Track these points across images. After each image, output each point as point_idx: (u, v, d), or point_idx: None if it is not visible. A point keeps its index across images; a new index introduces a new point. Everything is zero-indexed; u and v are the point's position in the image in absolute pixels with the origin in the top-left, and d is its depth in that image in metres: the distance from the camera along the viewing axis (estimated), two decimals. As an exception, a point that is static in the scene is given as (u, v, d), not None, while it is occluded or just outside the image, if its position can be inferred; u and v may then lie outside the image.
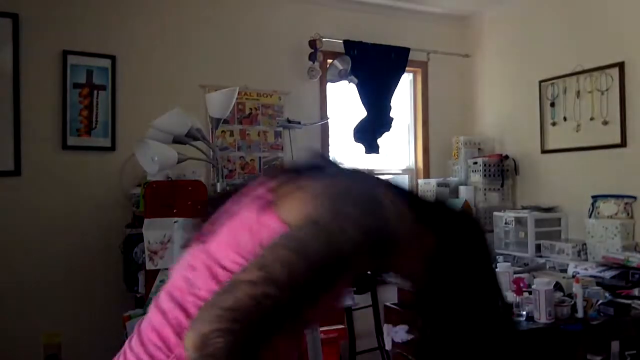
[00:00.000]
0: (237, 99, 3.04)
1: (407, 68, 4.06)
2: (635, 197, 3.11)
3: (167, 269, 2.62)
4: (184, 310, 0.76)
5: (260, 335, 0.67)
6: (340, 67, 3.71)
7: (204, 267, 0.78)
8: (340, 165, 0.89)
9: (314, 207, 0.74)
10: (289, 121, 3.40)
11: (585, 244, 3.22)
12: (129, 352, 0.82)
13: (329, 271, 0.71)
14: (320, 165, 0.87)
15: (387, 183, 0.87)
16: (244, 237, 0.76)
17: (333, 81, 3.82)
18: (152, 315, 0.82)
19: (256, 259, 0.71)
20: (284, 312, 0.69)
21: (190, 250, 0.84)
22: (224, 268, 0.76)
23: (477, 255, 0.91)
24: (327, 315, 0.82)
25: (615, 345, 2.25)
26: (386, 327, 3.14)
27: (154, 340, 0.79)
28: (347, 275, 0.77)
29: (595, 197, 3.28)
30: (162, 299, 0.82)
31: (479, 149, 4.10)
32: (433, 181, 3.94)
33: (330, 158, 0.92)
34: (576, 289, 2.29)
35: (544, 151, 3.70)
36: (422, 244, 0.86)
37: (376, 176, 0.89)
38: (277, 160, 3.67)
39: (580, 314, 2.25)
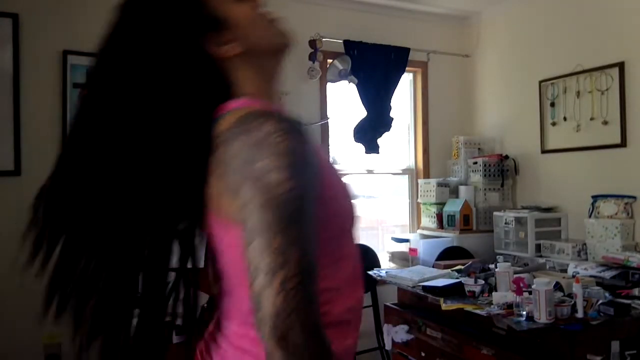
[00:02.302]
0: (237, 99, 3.05)
1: (407, 68, 4.06)
2: (635, 197, 3.11)
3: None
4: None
5: (313, 283, 0.70)
6: (340, 67, 3.71)
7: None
8: None
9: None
10: (289, 121, 3.39)
11: (585, 244, 3.22)
12: None
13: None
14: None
15: None
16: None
17: (333, 81, 3.82)
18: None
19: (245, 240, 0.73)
20: (311, 252, 0.72)
21: None
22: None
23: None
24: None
25: (615, 345, 2.25)
26: (386, 327, 3.14)
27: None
28: None
29: (595, 197, 3.29)
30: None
31: (479, 149, 4.10)
32: (433, 181, 3.94)
33: None
34: (576, 289, 2.29)
35: (544, 151, 3.70)
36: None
37: None
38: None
39: (580, 314, 2.25)
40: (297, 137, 0.75)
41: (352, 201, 0.88)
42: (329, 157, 0.81)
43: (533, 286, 2.25)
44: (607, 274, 2.76)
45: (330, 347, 0.70)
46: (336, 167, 0.90)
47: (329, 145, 3.89)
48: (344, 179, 0.90)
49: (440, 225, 3.89)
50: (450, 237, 3.74)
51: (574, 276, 2.68)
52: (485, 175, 3.85)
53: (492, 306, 2.45)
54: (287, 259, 0.68)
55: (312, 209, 0.74)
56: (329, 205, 0.81)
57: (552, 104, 3.61)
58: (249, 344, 0.83)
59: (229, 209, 0.78)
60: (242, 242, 0.72)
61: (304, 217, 0.72)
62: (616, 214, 3.15)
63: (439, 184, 3.91)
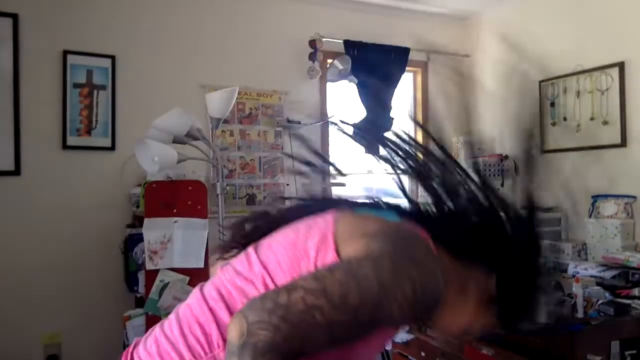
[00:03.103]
0: (237, 99, 3.04)
1: (407, 68, 4.06)
2: (635, 197, 3.11)
3: (167, 269, 2.62)
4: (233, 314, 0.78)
5: (300, 346, 0.67)
6: (340, 67, 3.71)
7: (263, 285, 0.80)
8: (391, 206, 0.96)
9: (371, 246, 0.76)
10: (289, 121, 3.40)
11: (585, 244, 3.21)
12: (163, 337, 0.84)
13: (376, 309, 0.72)
14: (376, 204, 0.96)
15: (430, 223, 0.91)
16: (304, 264, 0.80)
17: (333, 81, 3.82)
18: (198, 308, 0.84)
19: (316, 272, 0.73)
20: (326, 333, 0.69)
21: (245, 259, 0.87)
22: (277, 286, 0.78)
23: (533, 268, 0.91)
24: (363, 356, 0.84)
25: (615, 345, 2.25)
26: (386, 327, 3.13)
27: (197, 334, 0.81)
28: (388, 321, 0.77)
29: (595, 197, 3.28)
30: (211, 296, 0.84)
31: (479, 149, 4.08)
32: (433, 181, 3.94)
33: (384, 199, 0.98)
34: (576, 289, 2.29)
35: (544, 151, 3.69)
36: (482, 283, 0.89)
37: (420, 211, 0.94)
38: (277, 160, 3.67)
39: (580, 314, 2.25)
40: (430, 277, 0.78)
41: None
42: None
43: (533, 286, 2.25)
44: (607, 274, 2.75)
45: None
46: None
47: (328, 145, 3.89)
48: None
49: (440, 225, 3.88)
50: (450, 237, 3.73)
51: (574, 276, 2.67)
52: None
53: (492, 306, 2.44)
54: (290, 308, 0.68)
55: (361, 330, 0.73)
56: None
57: (552, 104, 3.61)
58: None
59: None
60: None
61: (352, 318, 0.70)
62: (616, 214, 3.15)
63: (439, 184, 3.90)
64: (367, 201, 0.97)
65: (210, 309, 0.82)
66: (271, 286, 0.80)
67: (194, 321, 0.82)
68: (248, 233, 1.00)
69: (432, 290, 0.75)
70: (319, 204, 0.99)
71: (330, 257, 0.78)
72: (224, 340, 0.76)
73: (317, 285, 0.69)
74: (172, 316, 0.87)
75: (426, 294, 0.74)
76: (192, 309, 0.85)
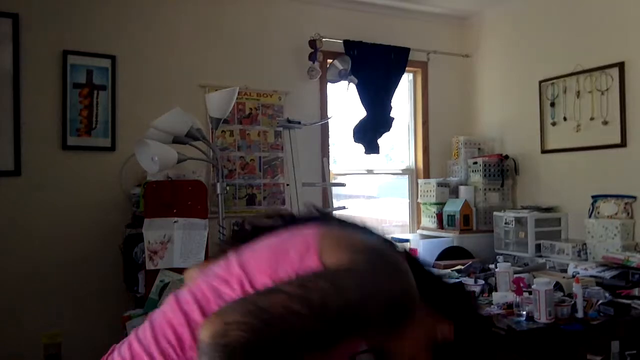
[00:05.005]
0: (237, 99, 3.04)
1: (407, 68, 4.06)
2: (635, 197, 3.11)
3: (167, 269, 2.62)
4: (206, 316, 0.77)
5: (276, 351, 0.67)
6: (340, 67, 3.71)
7: (238, 285, 0.79)
8: (368, 228, 0.96)
9: (355, 259, 0.77)
10: (289, 121, 3.39)
11: (585, 244, 3.22)
12: (136, 342, 0.82)
13: (353, 320, 0.72)
14: (356, 225, 0.96)
15: (404, 252, 0.93)
16: (283, 268, 0.79)
17: (333, 81, 3.82)
18: (171, 312, 0.83)
19: (298, 278, 0.73)
20: (304, 340, 0.69)
21: (223, 263, 0.86)
22: (255, 290, 0.78)
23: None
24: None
25: (615, 345, 2.25)
26: (386, 327, 3.13)
27: (169, 337, 0.79)
28: (360, 334, 0.78)
29: (595, 197, 3.28)
30: (185, 300, 0.83)
31: (479, 149, 4.09)
32: (433, 181, 3.94)
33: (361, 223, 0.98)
34: (576, 289, 2.29)
35: (544, 151, 3.69)
36: (431, 328, 0.89)
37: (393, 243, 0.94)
38: (277, 160, 3.67)
39: (580, 314, 2.25)
40: None
41: None
42: None
43: (533, 286, 2.25)
44: (607, 274, 2.75)
45: None
46: None
47: (328, 145, 3.89)
48: None
49: (440, 225, 3.89)
50: (450, 237, 3.74)
51: (574, 276, 2.68)
52: (485, 175, 3.84)
53: (492, 306, 2.45)
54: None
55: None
56: None
57: (552, 104, 3.61)
58: None
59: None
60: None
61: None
62: (616, 214, 3.15)
63: (439, 184, 3.91)
64: (358, 224, 0.97)
65: (183, 312, 0.81)
66: (247, 287, 0.78)
67: (166, 324, 0.81)
68: (231, 241, 1.00)
69: (408, 305, 0.77)
70: (307, 219, 0.98)
71: (313, 264, 0.78)
72: (196, 341, 0.75)
73: (299, 291, 0.70)
74: (146, 322, 0.86)
75: (401, 309, 0.76)
76: (164, 313, 0.83)
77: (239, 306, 0.68)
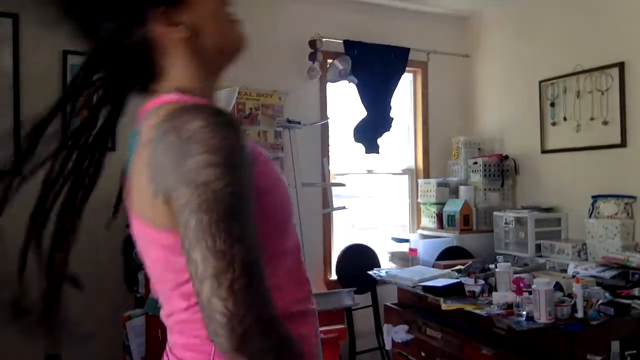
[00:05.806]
0: (237, 99, 3.05)
1: (407, 68, 4.06)
2: (635, 197, 3.11)
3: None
4: None
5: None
6: (340, 67, 3.71)
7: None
8: None
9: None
10: (289, 121, 3.40)
11: (585, 244, 3.22)
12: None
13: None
14: None
15: None
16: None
17: (333, 81, 3.83)
18: None
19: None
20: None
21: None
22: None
23: None
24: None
25: (615, 345, 2.25)
26: (386, 327, 3.14)
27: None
28: None
29: (595, 197, 3.28)
30: None
31: (479, 149, 4.09)
32: (433, 181, 3.94)
33: None
34: (576, 289, 2.29)
35: (544, 151, 3.69)
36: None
37: None
38: (277, 160, 3.67)
39: (580, 314, 2.25)
40: (230, 130, 0.71)
41: (289, 195, 0.86)
42: (263, 151, 0.80)
43: (533, 286, 2.25)
44: (607, 274, 2.75)
45: (291, 337, 0.68)
46: (270, 160, 0.87)
47: (329, 145, 3.89)
48: (280, 172, 0.87)
49: (440, 225, 3.89)
50: (450, 237, 3.74)
51: (574, 276, 2.67)
52: (485, 175, 3.84)
53: (492, 306, 2.45)
54: (231, 260, 0.65)
55: (250, 205, 0.71)
56: (266, 199, 0.79)
57: (552, 104, 3.61)
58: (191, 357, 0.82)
59: (161, 215, 0.75)
60: (181, 249, 0.69)
61: (242, 213, 0.68)
62: (616, 214, 3.15)
63: (439, 184, 3.91)
64: None
65: None
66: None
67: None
68: None
69: None
70: None
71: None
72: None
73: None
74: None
75: None
76: None
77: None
